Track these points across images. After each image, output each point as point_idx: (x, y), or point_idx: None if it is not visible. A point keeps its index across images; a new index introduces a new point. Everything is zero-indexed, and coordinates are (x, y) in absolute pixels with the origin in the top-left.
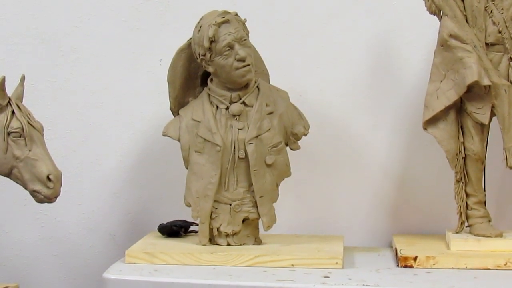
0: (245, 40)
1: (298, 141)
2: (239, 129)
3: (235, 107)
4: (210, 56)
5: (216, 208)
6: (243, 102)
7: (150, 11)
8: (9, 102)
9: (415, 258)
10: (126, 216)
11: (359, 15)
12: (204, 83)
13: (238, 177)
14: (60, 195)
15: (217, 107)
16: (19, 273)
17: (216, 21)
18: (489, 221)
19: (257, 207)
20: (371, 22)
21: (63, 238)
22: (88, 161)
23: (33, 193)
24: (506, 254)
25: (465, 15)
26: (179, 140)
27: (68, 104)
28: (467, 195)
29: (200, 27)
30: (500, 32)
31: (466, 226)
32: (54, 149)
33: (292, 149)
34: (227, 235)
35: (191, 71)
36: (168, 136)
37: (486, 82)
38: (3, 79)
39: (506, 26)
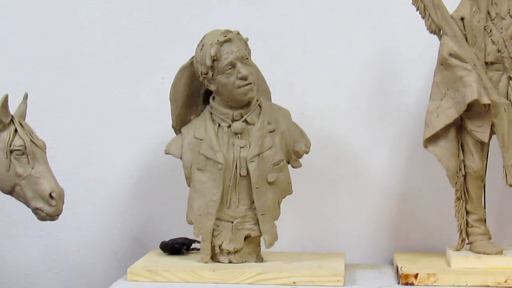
0: (247, 58)
1: (300, 159)
2: (241, 147)
3: (237, 125)
4: (212, 75)
5: (218, 226)
6: (245, 120)
7: (152, 30)
8: (12, 120)
9: (416, 275)
10: (128, 233)
11: (360, 34)
12: (206, 101)
13: (240, 194)
14: (62, 212)
15: (219, 125)
16: None
17: (218, 40)
18: (490, 238)
19: (258, 225)
20: (371, 41)
21: (65, 255)
22: (90, 178)
23: (36, 210)
24: (506, 271)
25: (465, 34)
26: (181, 158)
27: (70, 122)
28: (467, 212)
29: (203, 45)
30: (499, 51)
31: (467, 244)
32: (57, 166)
33: (293, 167)
34: (229, 253)
35: (193, 89)
36: (171, 154)
37: (485, 100)
38: (6, 97)
39: (505, 45)
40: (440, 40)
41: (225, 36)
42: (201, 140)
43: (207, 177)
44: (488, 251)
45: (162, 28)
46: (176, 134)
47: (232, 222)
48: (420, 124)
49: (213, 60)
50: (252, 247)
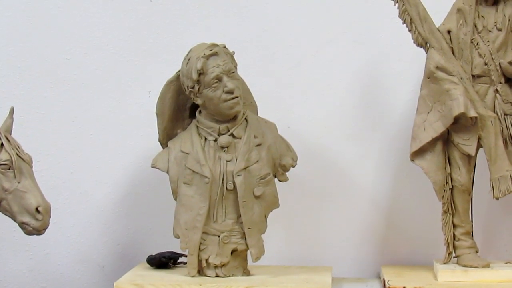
0: (233, 72)
1: (286, 173)
2: (227, 161)
3: (224, 139)
4: (198, 88)
5: (205, 240)
6: (232, 134)
7: (139, 43)
8: None
9: None
10: (115, 247)
11: (346, 47)
12: (192, 115)
13: (226, 208)
14: (49, 227)
15: (205, 139)
16: None
17: (204, 54)
18: (476, 251)
19: (245, 239)
20: (358, 54)
21: (52, 270)
22: (77, 192)
23: (22, 225)
24: (493, 285)
25: (452, 48)
26: (167, 172)
27: (57, 136)
28: (454, 226)
29: (189, 59)
30: (486, 64)
31: (454, 257)
32: (43, 181)
33: (280, 181)
34: (216, 267)
35: (180, 103)
36: (157, 168)
37: (472, 113)
38: None
39: (492, 58)
40: (426, 53)
41: (211, 50)
42: (188, 154)
43: (194, 191)
44: (475, 265)
45: (148, 42)
46: (163, 148)
47: (219, 236)
48: (407, 138)
49: (199, 74)
50: (239, 261)
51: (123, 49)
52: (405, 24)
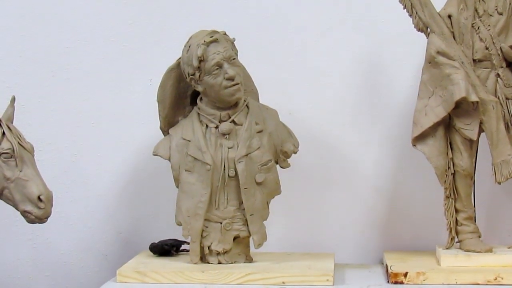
0: (234, 59)
1: (288, 159)
2: (229, 148)
3: (225, 126)
4: (199, 76)
5: (207, 227)
6: (233, 121)
7: (139, 32)
8: None
9: (405, 274)
10: (118, 235)
11: (348, 33)
12: (193, 102)
13: (228, 195)
14: (51, 215)
15: (206, 126)
16: None
17: (204, 41)
18: (479, 236)
19: (247, 225)
20: (359, 40)
21: (55, 258)
22: (79, 181)
23: (24, 213)
24: (496, 269)
25: (452, 32)
26: (169, 160)
27: (59, 124)
28: (456, 211)
29: (189, 46)
30: (487, 49)
31: (456, 242)
32: (45, 169)
33: (282, 167)
34: (218, 253)
35: (181, 91)
36: (159, 156)
37: (473, 98)
38: None
39: (493, 42)
40: (427, 38)
41: (212, 37)
42: (189, 141)
43: (195, 178)
44: (478, 249)
45: (149, 30)
46: (164, 135)
47: (221, 223)
48: (409, 123)
49: (200, 61)
50: (241, 248)
51: (123, 37)
52: (405, 9)
